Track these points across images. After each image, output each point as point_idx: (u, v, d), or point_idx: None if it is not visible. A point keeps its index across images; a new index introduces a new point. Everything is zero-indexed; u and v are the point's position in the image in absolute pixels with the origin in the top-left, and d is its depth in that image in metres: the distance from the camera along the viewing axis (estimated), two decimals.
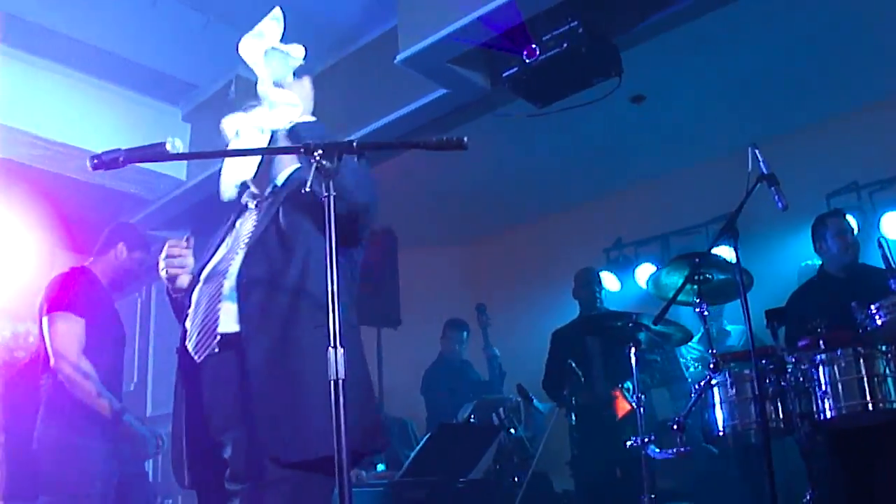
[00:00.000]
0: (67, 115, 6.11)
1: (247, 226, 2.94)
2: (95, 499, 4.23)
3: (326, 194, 2.25)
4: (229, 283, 2.76)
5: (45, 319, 4.35)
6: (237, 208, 3.10)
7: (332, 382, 2.14)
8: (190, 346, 2.77)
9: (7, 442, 5.43)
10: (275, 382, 2.58)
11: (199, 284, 2.86)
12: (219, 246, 2.97)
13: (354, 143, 2.27)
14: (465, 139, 2.16)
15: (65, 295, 4.40)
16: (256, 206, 3.01)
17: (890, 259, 4.34)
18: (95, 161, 2.57)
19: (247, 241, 2.85)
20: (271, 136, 2.93)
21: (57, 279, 4.55)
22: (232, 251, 2.87)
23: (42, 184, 6.48)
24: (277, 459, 2.53)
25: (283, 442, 2.53)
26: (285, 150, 2.74)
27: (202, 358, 2.74)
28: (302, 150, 2.31)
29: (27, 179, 6.38)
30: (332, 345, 2.17)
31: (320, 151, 2.25)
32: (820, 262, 5.32)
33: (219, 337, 2.69)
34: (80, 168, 6.33)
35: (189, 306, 2.86)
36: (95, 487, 4.25)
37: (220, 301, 2.74)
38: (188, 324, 2.82)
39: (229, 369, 2.66)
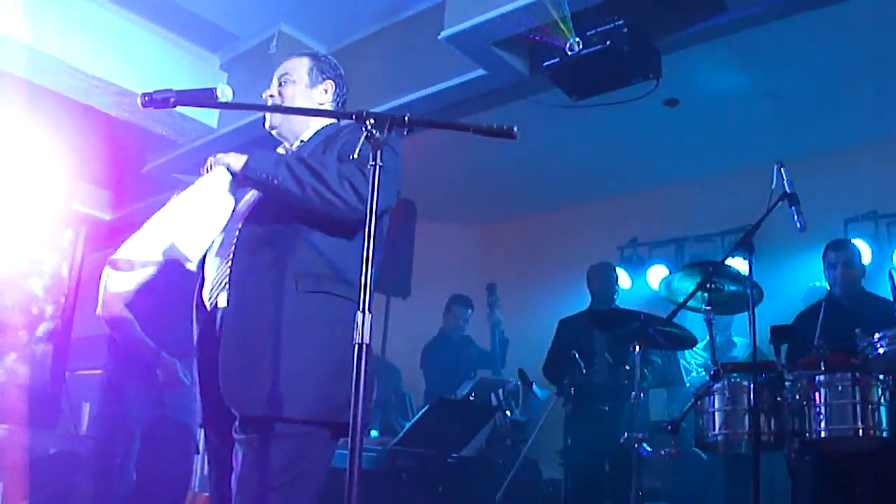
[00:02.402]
0: (107, 51, 6.10)
1: None
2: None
3: (373, 163, 2.30)
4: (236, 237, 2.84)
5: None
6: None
7: (356, 346, 2.20)
8: (204, 295, 2.88)
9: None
10: (248, 342, 2.67)
11: (220, 235, 2.91)
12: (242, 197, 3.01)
13: (406, 118, 2.32)
14: (515, 129, 2.21)
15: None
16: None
17: None
18: (147, 98, 2.66)
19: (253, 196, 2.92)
20: None
21: None
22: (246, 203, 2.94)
23: (73, 115, 6.53)
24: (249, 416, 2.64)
25: (247, 399, 2.63)
26: (336, 114, 2.80)
27: (211, 308, 2.84)
28: (353, 116, 2.37)
29: (59, 108, 6.43)
30: (360, 309, 2.23)
31: (372, 121, 2.30)
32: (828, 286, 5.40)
33: (225, 289, 2.77)
34: (113, 104, 6.38)
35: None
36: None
37: (231, 254, 2.80)
38: (205, 272, 2.90)
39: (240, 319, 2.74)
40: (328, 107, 3.14)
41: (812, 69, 6.09)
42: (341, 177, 2.65)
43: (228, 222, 2.90)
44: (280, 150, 3.09)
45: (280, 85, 3.10)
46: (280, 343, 2.65)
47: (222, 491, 2.77)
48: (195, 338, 2.92)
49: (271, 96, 3.09)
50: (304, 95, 3.10)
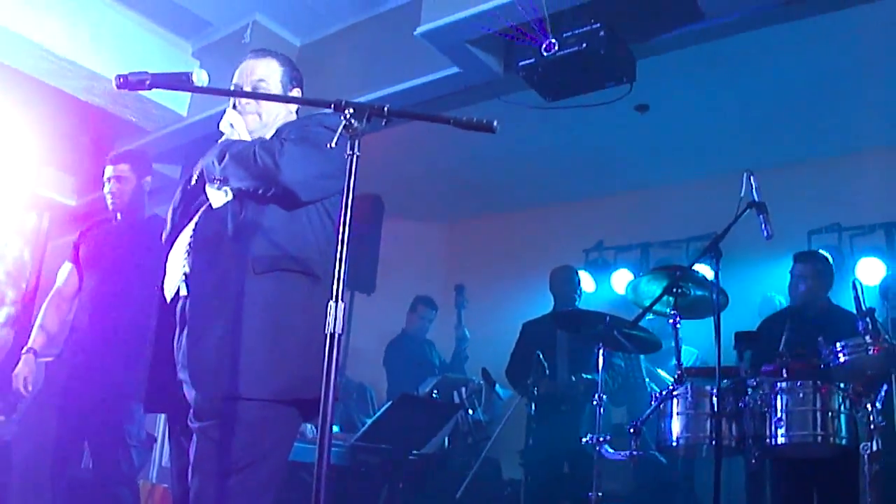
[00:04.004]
0: (79, 34, 6.02)
1: None
2: None
3: (350, 153, 2.30)
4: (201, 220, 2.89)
5: None
6: None
7: (328, 336, 2.20)
8: (166, 287, 2.91)
9: None
10: (209, 328, 2.70)
11: (185, 230, 2.94)
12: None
13: (385, 109, 2.31)
14: (496, 123, 2.22)
15: None
16: None
17: (861, 302, 4.44)
18: (122, 80, 2.63)
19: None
20: None
21: None
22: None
23: (41, 98, 6.45)
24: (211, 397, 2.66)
25: (205, 381, 2.67)
26: (314, 103, 2.79)
27: (171, 299, 2.88)
28: (332, 106, 2.36)
29: (27, 91, 6.35)
30: (332, 298, 2.23)
31: (351, 110, 2.30)
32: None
33: (183, 278, 2.83)
34: (83, 88, 6.31)
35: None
36: None
37: (191, 247, 2.85)
38: (167, 265, 2.94)
39: (185, 307, 2.82)
40: (294, 114, 3.18)
41: (782, 81, 6.16)
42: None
43: (188, 217, 2.94)
44: None
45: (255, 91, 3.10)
46: (241, 326, 2.67)
47: (184, 484, 2.75)
48: (153, 329, 2.94)
49: (247, 102, 3.05)
50: (279, 103, 3.12)
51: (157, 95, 6.34)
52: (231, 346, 2.65)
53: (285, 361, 2.69)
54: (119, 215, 4.81)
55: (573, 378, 5.87)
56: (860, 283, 4.32)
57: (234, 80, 3.11)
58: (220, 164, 2.81)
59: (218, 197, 2.85)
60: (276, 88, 3.10)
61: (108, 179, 4.78)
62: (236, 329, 2.67)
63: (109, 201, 4.77)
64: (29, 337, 4.76)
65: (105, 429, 4.51)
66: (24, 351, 4.70)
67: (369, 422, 5.51)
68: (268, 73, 3.11)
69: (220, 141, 2.97)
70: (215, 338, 2.67)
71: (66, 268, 4.89)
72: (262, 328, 2.69)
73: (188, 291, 2.80)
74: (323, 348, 2.19)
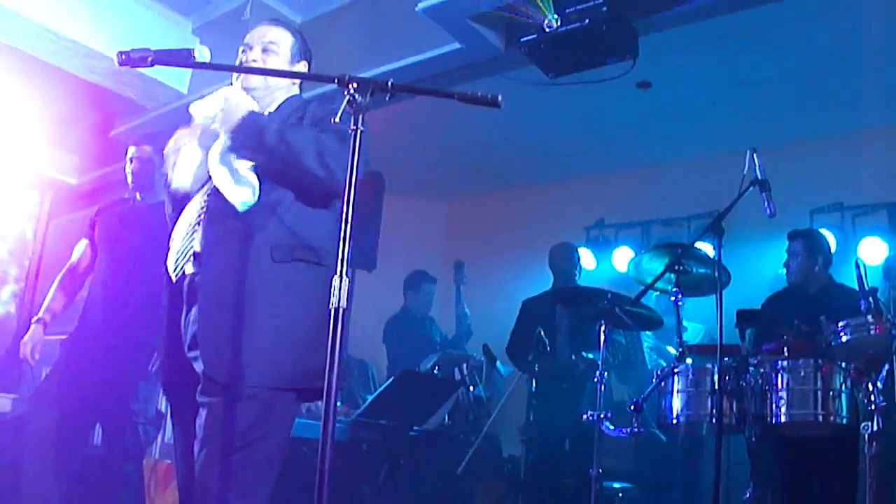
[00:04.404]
0: (79, 12, 6.00)
1: None
2: None
3: (355, 128, 2.29)
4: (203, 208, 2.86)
5: None
6: None
7: (332, 310, 2.20)
8: (169, 265, 2.90)
9: None
10: (223, 309, 2.71)
11: (188, 207, 2.94)
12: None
13: (389, 83, 2.30)
14: (500, 97, 2.21)
15: None
16: None
17: (864, 281, 4.44)
18: (123, 56, 2.62)
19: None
20: None
21: None
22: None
23: (42, 76, 6.44)
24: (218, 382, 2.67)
25: (217, 367, 2.67)
26: (316, 77, 2.79)
27: (177, 278, 2.87)
28: (336, 80, 2.35)
29: (28, 70, 6.33)
30: (337, 274, 2.23)
31: (355, 85, 2.29)
32: None
33: (191, 258, 2.82)
34: (84, 66, 6.28)
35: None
36: None
37: (197, 224, 2.84)
38: (171, 242, 2.93)
39: (196, 290, 2.80)
40: (297, 87, 3.17)
41: (785, 59, 6.12)
42: (321, 152, 2.70)
43: (193, 192, 2.92)
44: None
45: (263, 52, 3.08)
46: (256, 311, 2.69)
47: (188, 459, 2.77)
48: (164, 306, 2.94)
49: (254, 60, 3.06)
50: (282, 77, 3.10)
51: (159, 73, 6.32)
52: (244, 331, 2.66)
53: (296, 350, 2.73)
54: (139, 195, 4.91)
55: (573, 356, 5.88)
56: (863, 263, 4.33)
57: (245, 41, 3.11)
58: (266, 139, 2.73)
59: (222, 174, 2.81)
60: (285, 54, 3.10)
61: (131, 160, 4.90)
62: (251, 313, 2.68)
63: (130, 181, 4.89)
64: (36, 312, 4.82)
65: (115, 407, 4.57)
66: (33, 320, 4.75)
67: (370, 398, 5.52)
68: (279, 38, 3.11)
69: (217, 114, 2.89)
70: (229, 320, 2.68)
71: (82, 244, 4.98)
72: (276, 315, 2.71)
73: (197, 269, 2.80)
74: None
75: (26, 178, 7.35)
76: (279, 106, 3.05)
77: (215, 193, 2.82)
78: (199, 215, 2.84)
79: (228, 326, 2.67)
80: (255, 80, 3.03)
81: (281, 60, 3.10)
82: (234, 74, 3.06)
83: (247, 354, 2.65)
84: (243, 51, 3.09)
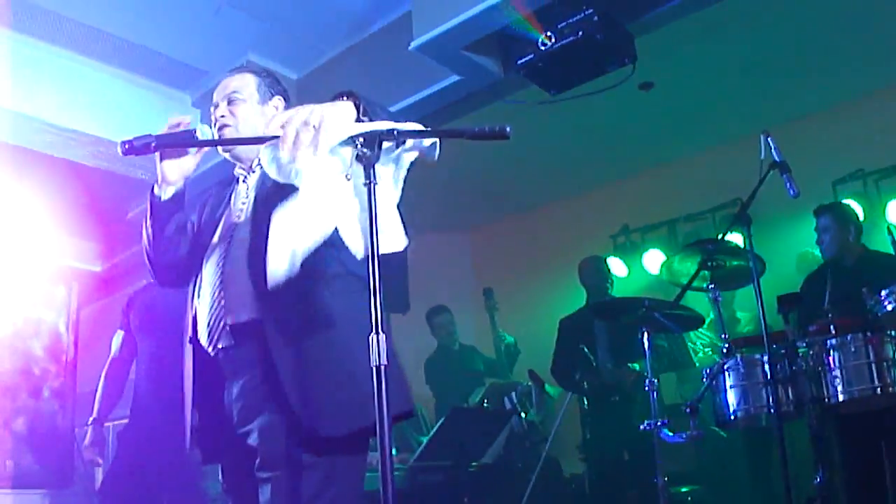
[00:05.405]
0: (77, 102, 6.07)
1: (238, 202, 2.90)
2: None
3: (367, 182, 2.25)
4: (226, 268, 2.74)
5: None
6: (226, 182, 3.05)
7: (374, 369, 2.15)
8: (202, 339, 2.76)
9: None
10: (301, 365, 2.58)
11: (205, 267, 2.82)
12: (218, 223, 2.90)
13: (395, 131, 2.28)
14: (508, 129, 2.18)
15: None
16: (244, 179, 2.95)
17: None
18: (127, 146, 2.58)
19: (239, 219, 2.83)
20: None
21: None
22: (227, 231, 2.84)
23: (52, 171, 6.50)
24: (310, 440, 2.54)
25: (317, 418, 2.54)
26: None
27: (216, 350, 2.74)
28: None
29: (38, 167, 6.39)
30: (374, 330, 2.18)
31: (361, 140, 2.26)
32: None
33: (229, 328, 2.69)
34: (90, 154, 6.35)
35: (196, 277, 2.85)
36: None
37: (223, 288, 2.73)
38: (199, 314, 2.80)
39: (248, 357, 2.67)
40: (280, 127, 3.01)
41: (777, 36, 6.09)
42: None
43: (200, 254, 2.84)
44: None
45: (230, 104, 2.93)
46: (327, 362, 2.60)
47: None
48: (192, 380, 2.83)
49: (222, 116, 2.92)
50: (256, 114, 2.94)
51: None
52: (321, 387, 2.57)
53: (351, 391, 2.59)
54: None
55: (619, 368, 5.82)
56: (895, 227, 4.27)
57: (213, 100, 2.98)
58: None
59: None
60: (252, 97, 2.94)
61: None
62: (318, 371, 2.59)
63: None
64: (92, 408, 4.86)
65: (181, 488, 4.56)
66: (89, 422, 4.80)
67: (425, 441, 5.49)
68: (241, 84, 2.95)
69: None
70: (300, 382, 2.57)
71: (119, 336, 5.00)
72: (341, 364, 2.61)
73: (235, 342, 2.68)
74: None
75: (51, 273, 7.40)
76: None
77: (234, 250, 2.73)
78: (221, 278, 2.73)
79: (305, 382, 2.57)
80: (229, 135, 2.92)
81: (250, 105, 2.94)
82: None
83: (343, 400, 2.55)
84: (212, 112, 2.97)
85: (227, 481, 2.90)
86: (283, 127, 2.30)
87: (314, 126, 2.29)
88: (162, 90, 6.58)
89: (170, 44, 6.15)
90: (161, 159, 2.78)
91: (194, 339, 2.82)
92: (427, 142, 2.55)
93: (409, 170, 2.60)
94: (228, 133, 2.90)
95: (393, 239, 2.57)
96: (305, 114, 2.31)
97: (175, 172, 2.82)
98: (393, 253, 6.62)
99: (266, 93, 2.98)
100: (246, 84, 2.96)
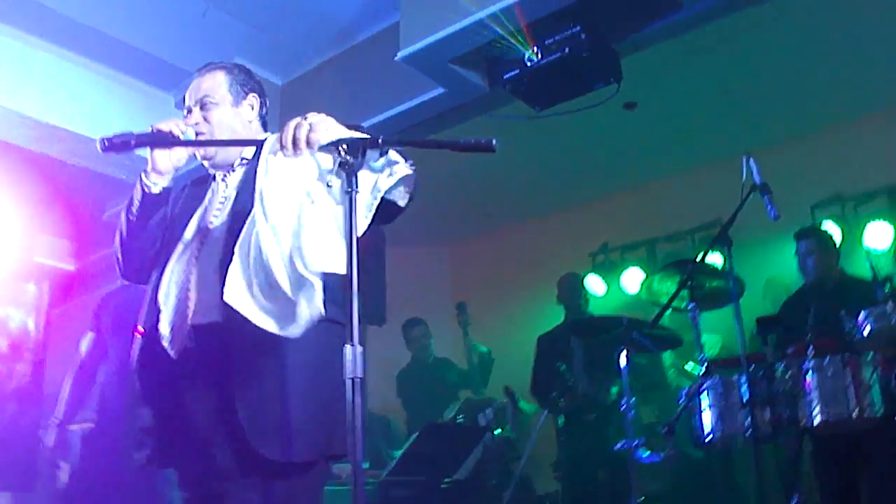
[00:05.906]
0: (58, 97, 6.00)
1: (216, 200, 2.80)
2: None
3: (350, 189, 2.21)
4: (197, 267, 2.65)
5: None
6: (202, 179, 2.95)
7: (349, 380, 2.11)
8: (164, 337, 2.62)
9: None
10: (256, 378, 2.52)
11: (171, 263, 2.69)
12: (190, 219, 2.78)
13: (380, 140, 2.25)
14: (494, 141, 2.15)
15: None
16: (223, 178, 2.85)
17: (877, 270, 4.42)
18: (106, 143, 2.53)
19: (216, 219, 2.74)
20: None
21: None
22: (200, 229, 2.73)
23: (28, 165, 6.41)
24: (257, 461, 2.47)
25: (267, 443, 2.47)
26: None
27: (177, 351, 2.61)
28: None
29: (12, 160, 6.31)
30: (349, 342, 2.14)
31: (345, 146, 2.23)
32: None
33: (193, 329, 2.59)
34: (68, 150, 6.27)
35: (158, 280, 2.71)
36: None
37: (192, 289, 2.63)
38: (161, 311, 2.66)
39: (210, 361, 2.57)
40: (256, 123, 2.91)
41: (759, 62, 6.12)
42: None
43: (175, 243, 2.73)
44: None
45: (203, 109, 2.82)
46: (282, 383, 2.53)
47: None
48: (140, 375, 2.72)
49: (196, 123, 2.81)
50: (231, 116, 2.84)
51: (147, 151, 6.28)
52: (274, 407, 2.50)
53: (322, 417, 2.56)
54: None
55: (595, 388, 5.80)
56: (872, 252, 4.29)
57: (185, 103, 2.88)
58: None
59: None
60: (225, 99, 2.83)
61: None
62: (275, 388, 2.52)
63: None
64: (55, 407, 4.81)
65: (145, 494, 4.51)
66: (53, 423, 4.76)
67: (398, 455, 5.45)
68: (212, 85, 2.84)
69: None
70: (270, 394, 2.52)
71: (88, 337, 4.95)
72: (306, 383, 2.55)
73: (197, 344, 2.57)
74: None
75: (22, 270, 7.30)
76: (248, 163, 2.80)
77: (210, 246, 2.65)
78: (189, 278, 2.63)
79: (254, 406, 2.50)
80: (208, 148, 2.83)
81: (223, 108, 2.84)
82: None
83: (290, 428, 2.49)
84: (185, 116, 2.86)
85: (184, 487, 2.79)
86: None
87: (310, 123, 2.34)
88: (145, 89, 6.52)
89: (155, 43, 6.10)
90: (152, 149, 2.72)
91: (152, 336, 2.67)
92: (406, 172, 2.54)
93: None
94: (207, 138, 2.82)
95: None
96: (299, 119, 2.35)
97: (166, 162, 2.75)
98: (372, 266, 6.56)
99: (239, 92, 2.87)
100: (218, 85, 2.85)
